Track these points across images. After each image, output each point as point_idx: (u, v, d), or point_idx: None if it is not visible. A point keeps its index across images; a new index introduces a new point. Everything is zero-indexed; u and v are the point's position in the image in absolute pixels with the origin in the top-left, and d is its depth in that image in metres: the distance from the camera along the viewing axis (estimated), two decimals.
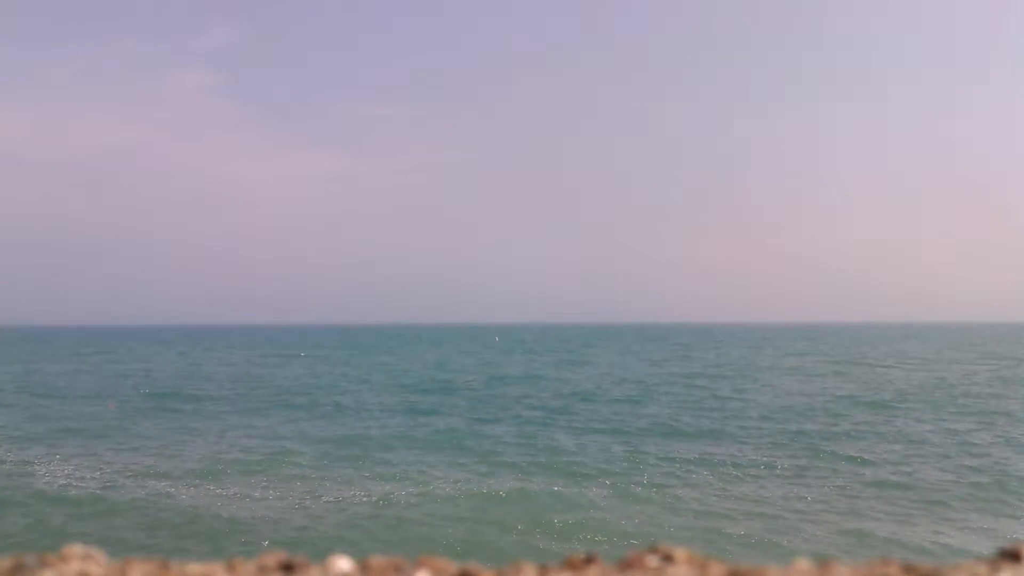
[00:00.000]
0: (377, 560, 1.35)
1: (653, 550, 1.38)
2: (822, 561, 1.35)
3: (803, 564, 1.34)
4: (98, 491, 19.33)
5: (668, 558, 1.36)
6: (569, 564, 1.33)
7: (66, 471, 21.75)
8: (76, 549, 1.36)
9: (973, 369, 57.98)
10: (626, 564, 1.34)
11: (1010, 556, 1.34)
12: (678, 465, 22.24)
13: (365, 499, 18.52)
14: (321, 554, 1.41)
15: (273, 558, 1.36)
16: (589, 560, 1.35)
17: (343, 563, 1.35)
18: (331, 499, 18.56)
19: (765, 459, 22.94)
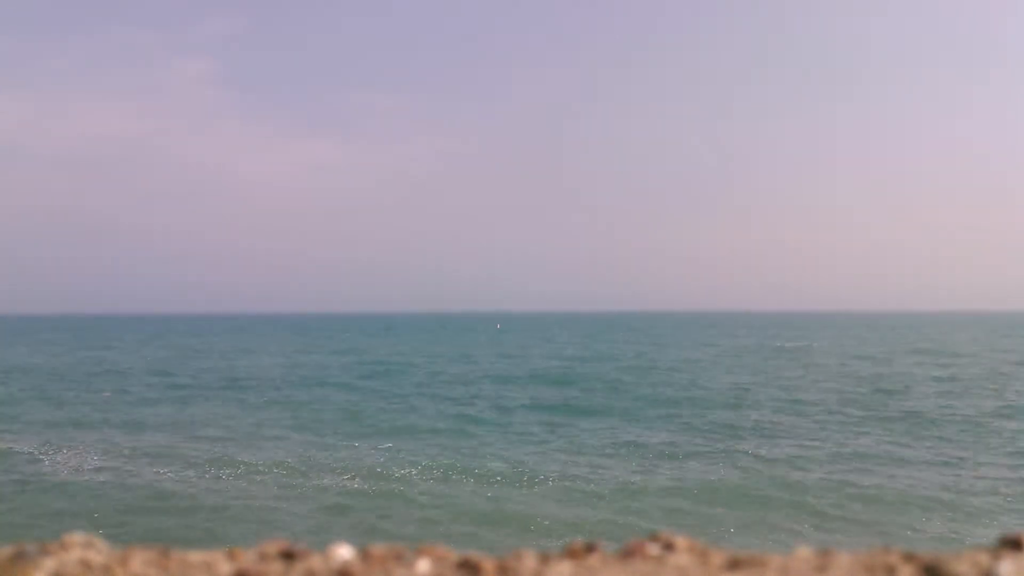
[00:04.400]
0: (378, 548, 1.35)
1: (654, 538, 1.38)
2: (823, 549, 1.34)
3: (804, 552, 1.34)
4: (96, 479, 19.38)
5: (669, 546, 1.35)
6: (570, 553, 1.33)
7: (65, 458, 21.80)
8: (77, 537, 1.36)
9: None
10: (627, 552, 1.34)
11: (1011, 544, 1.34)
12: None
13: (358, 486, 18.58)
14: (321, 542, 1.41)
15: (274, 546, 1.36)
16: (590, 548, 1.35)
17: (344, 551, 1.35)
18: (328, 487, 18.61)
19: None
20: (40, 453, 22.65)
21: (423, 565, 1.31)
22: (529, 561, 1.31)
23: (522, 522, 15.84)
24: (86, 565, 1.27)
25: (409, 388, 41.27)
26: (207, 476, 19.66)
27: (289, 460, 21.67)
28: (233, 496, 17.72)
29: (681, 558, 1.32)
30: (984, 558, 1.28)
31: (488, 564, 1.30)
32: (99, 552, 1.32)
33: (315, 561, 1.32)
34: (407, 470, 20.36)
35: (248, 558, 1.33)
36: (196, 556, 1.34)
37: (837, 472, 20.13)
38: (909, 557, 1.30)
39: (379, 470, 20.38)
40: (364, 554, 1.34)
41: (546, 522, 15.79)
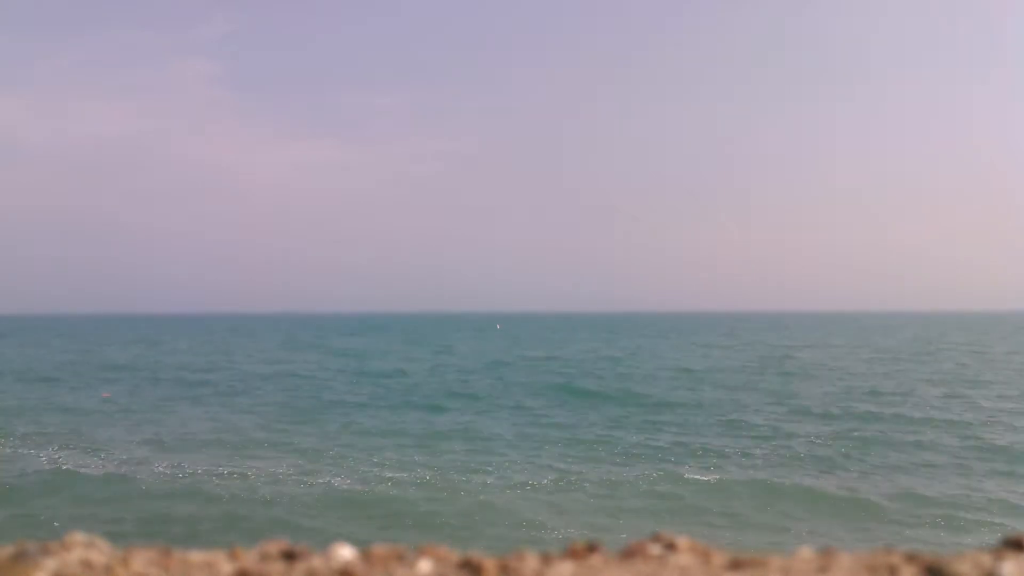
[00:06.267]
0: (379, 548, 1.35)
1: (655, 538, 1.38)
2: (825, 550, 1.34)
3: (806, 553, 1.34)
4: (96, 479, 19.39)
5: (670, 546, 1.35)
6: (572, 553, 1.33)
7: (64, 458, 21.81)
8: (78, 537, 1.36)
9: None
10: (629, 552, 1.34)
11: (1013, 545, 1.34)
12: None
13: (357, 485, 18.59)
14: (322, 542, 1.41)
15: (275, 546, 1.36)
16: (591, 548, 1.35)
17: (345, 551, 1.35)
18: (328, 487, 18.62)
19: None
20: (39, 453, 22.65)
21: (424, 565, 1.31)
22: (531, 561, 1.31)
23: (519, 523, 15.85)
24: (87, 565, 1.27)
25: (408, 390, 41.29)
26: (207, 476, 19.66)
27: (289, 460, 21.68)
28: (234, 496, 17.73)
29: (682, 558, 1.32)
30: (986, 559, 1.28)
31: (489, 564, 1.30)
32: (101, 552, 1.32)
33: (316, 561, 1.32)
34: (406, 470, 20.38)
35: (249, 558, 1.33)
36: (197, 556, 1.34)
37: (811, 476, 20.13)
38: (911, 557, 1.30)
39: (378, 471, 20.39)
40: (365, 554, 1.34)
41: (544, 523, 15.79)
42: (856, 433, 25.61)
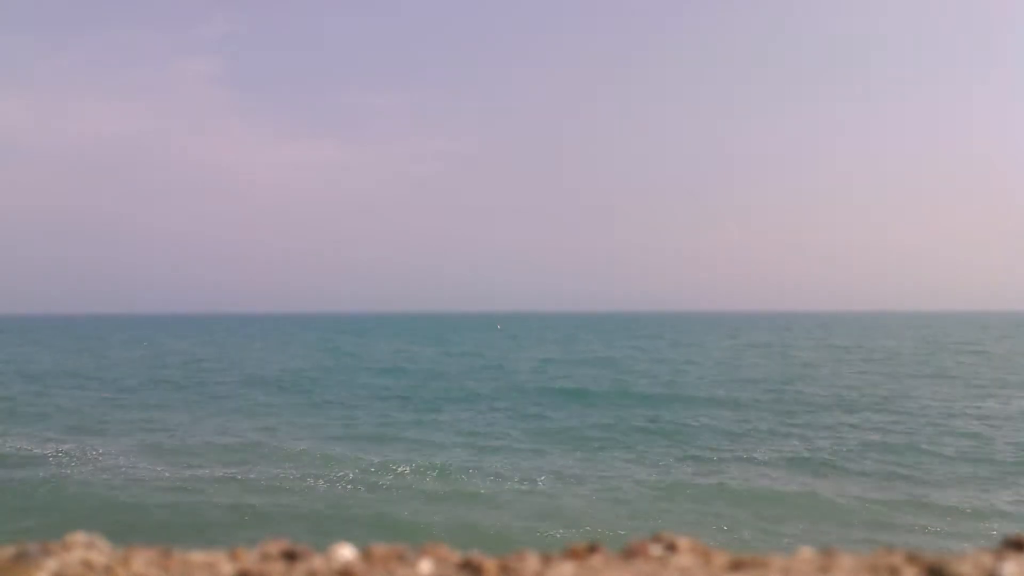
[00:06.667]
0: (380, 548, 1.35)
1: (656, 539, 1.38)
2: (826, 550, 1.34)
3: (807, 553, 1.34)
4: (97, 478, 19.40)
5: (671, 547, 1.35)
6: (572, 553, 1.33)
7: (65, 458, 21.81)
8: (79, 537, 1.36)
9: None
10: (630, 553, 1.33)
11: (1014, 545, 1.34)
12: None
13: (359, 484, 18.59)
14: (323, 542, 1.41)
15: (276, 546, 1.36)
16: (592, 549, 1.34)
17: (346, 551, 1.35)
18: (329, 487, 18.62)
19: None
20: (39, 452, 22.66)
21: (425, 565, 1.31)
22: (531, 562, 1.31)
23: (520, 523, 15.85)
24: (88, 565, 1.27)
25: (407, 390, 41.30)
26: (207, 476, 19.67)
27: (288, 460, 21.69)
28: (234, 496, 17.74)
29: (683, 559, 1.32)
30: (987, 559, 1.28)
31: (490, 564, 1.30)
32: (101, 552, 1.32)
33: (317, 561, 1.32)
34: (407, 469, 20.39)
35: (250, 558, 1.33)
36: (198, 556, 1.34)
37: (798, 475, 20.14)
38: (912, 558, 1.30)
39: (377, 470, 20.40)
40: (366, 554, 1.34)
41: (545, 523, 15.80)
42: (859, 435, 25.61)
